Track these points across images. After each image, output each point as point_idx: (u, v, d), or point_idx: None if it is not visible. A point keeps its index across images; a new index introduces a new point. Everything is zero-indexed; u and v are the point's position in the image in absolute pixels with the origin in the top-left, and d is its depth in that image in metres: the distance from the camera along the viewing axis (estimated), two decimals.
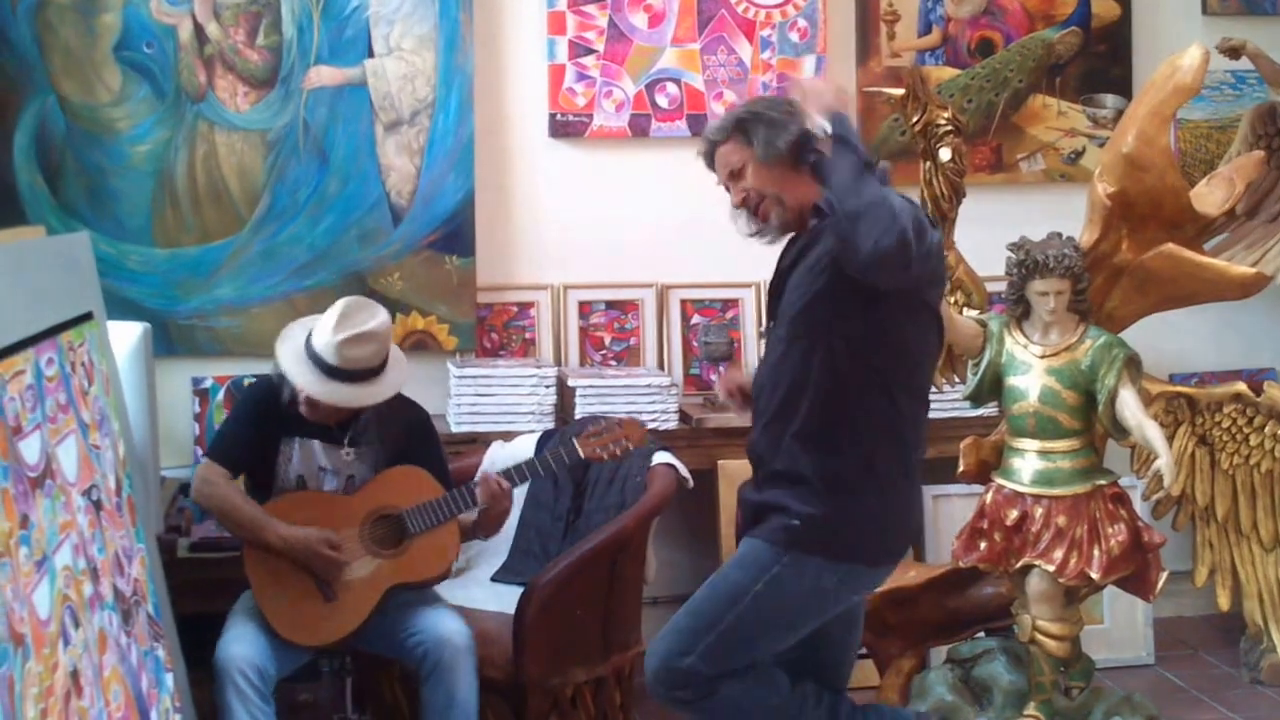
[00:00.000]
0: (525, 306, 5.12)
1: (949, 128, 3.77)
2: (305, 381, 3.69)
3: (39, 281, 2.49)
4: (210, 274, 4.82)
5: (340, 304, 3.74)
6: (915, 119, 3.82)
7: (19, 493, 2.12)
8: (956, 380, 4.28)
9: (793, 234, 3.26)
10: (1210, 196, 4.07)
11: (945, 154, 3.77)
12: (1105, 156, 4.02)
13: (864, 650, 4.29)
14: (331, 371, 3.68)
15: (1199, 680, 4.91)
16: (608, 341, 5.15)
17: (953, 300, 4.12)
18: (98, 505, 2.48)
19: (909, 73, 4.04)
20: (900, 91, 3.86)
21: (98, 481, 2.51)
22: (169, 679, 2.77)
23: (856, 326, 3.02)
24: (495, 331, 5.09)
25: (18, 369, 2.24)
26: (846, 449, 3.08)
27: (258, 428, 3.82)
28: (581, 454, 3.92)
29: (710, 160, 3.35)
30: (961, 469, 4.13)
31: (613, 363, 5.13)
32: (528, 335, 5.11)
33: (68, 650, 2.19)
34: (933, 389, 4.07)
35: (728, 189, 3.32)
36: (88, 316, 2.70)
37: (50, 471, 2.29)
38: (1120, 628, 5.03)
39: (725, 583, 3.18)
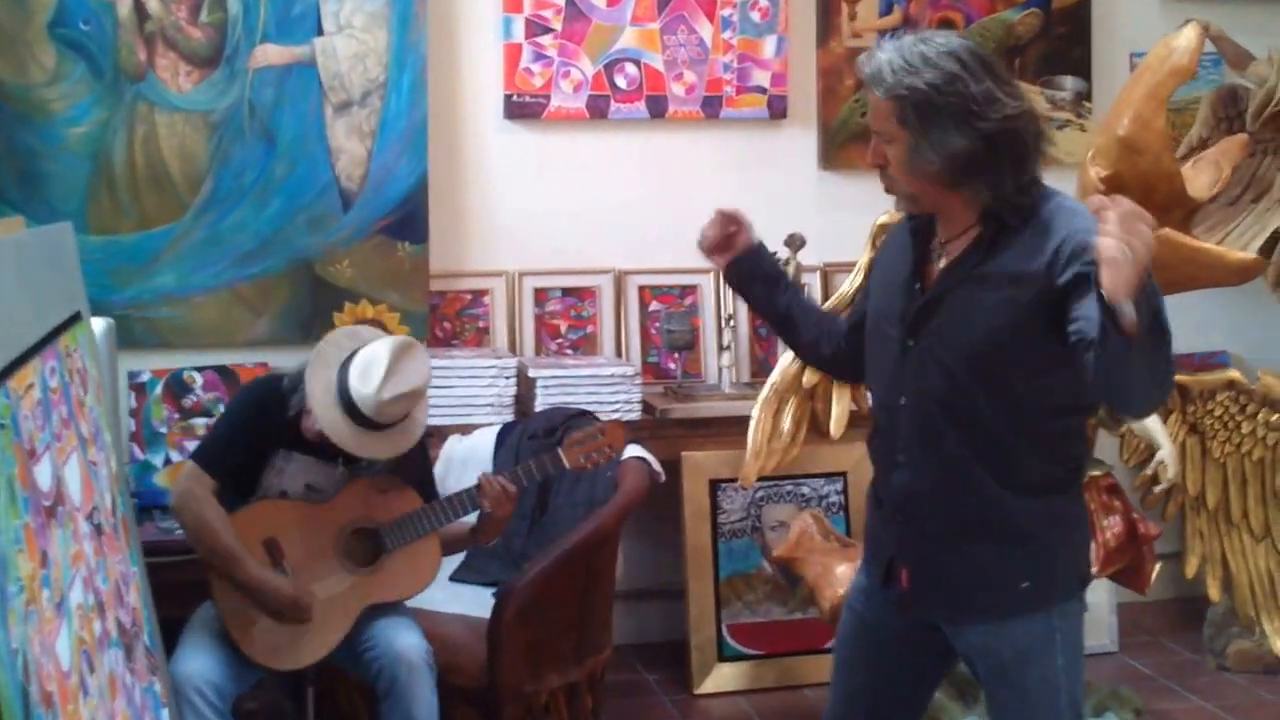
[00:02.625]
0: (479, 294, 4.94)
1: None
2: (336, 432, 3.43)
3: (34, 280, 2.27)
4: (149, 262, 4.57)
5: (388, 350, 3.41)
6: None
7: (38, 526, 1.92)
8: None
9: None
10: (1197, 180, 4.02)
11: None
12: (1099, 140, 3.94)
13: None
14: (366, 423, 3.44)
15: (1165, 668, 4.89)
16: (564, 329, 4.99)
17: None
18: (99, 530, 2.29)
19: None
20: None
21: (98, 503, 2.31)
22: (165, 715, 2.58)
23: (1044, 362, 2.55)
24: (448, 320, 4.91)
25: (29, 382, 2.04)
26: (1065, 481, 2.63)
27: (255, 435, 3.59)
28: (566, 464, 3.76)
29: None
30: None
31: (569, 351, 4.97)
32: (481, 324, 4.94)
33: (86, 702, 2.00)
34: None
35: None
36: (76, 317, 2.49)
37: (60, 497, 2.09)
38: None
39: (1039, 689, 2.64)
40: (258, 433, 3.58)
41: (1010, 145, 2.53)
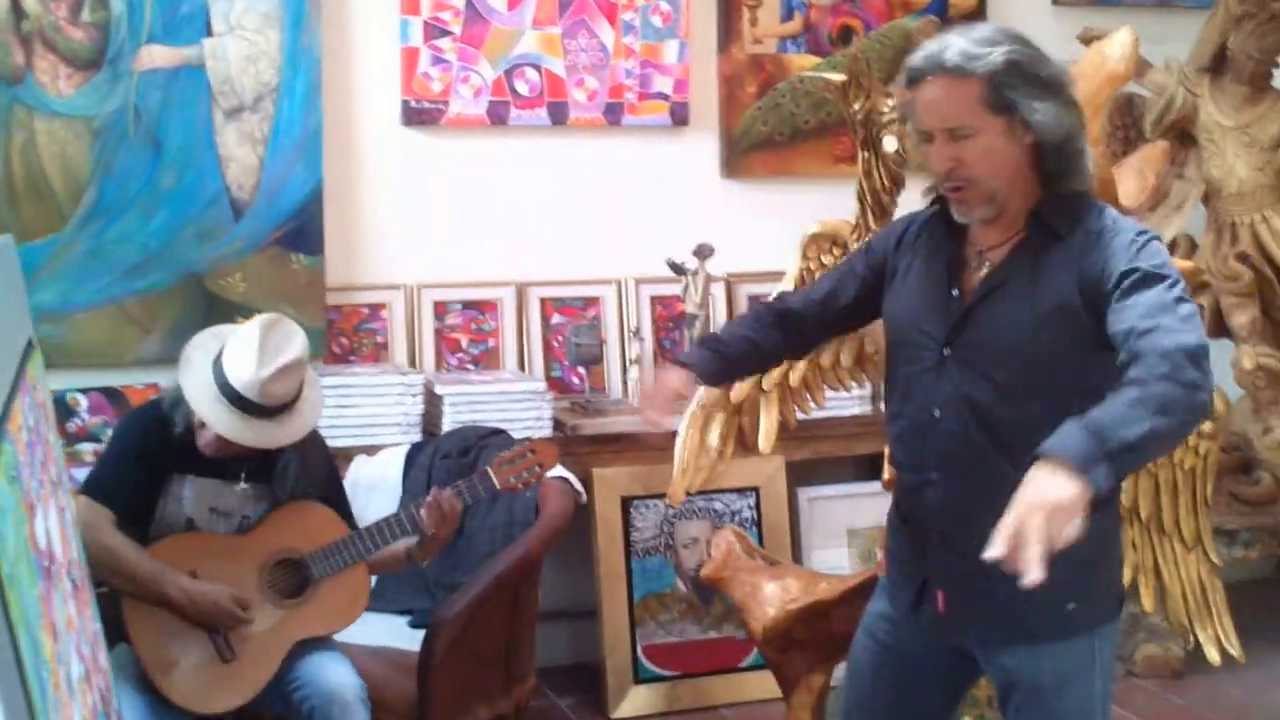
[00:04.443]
0: (377, 308, 4.72)
1: (893, 116, 3.56)
2: (226, 426, 3.25)
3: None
4: (28, 277, 4.22)
5: (256, 328, 3.28)
6: (856, 107, 3.59)
7: (46, 593, 1.68)
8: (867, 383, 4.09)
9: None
10: (1122, 188, 3.99)
11: (891, 144, 3.53)
12: None
13: (764, 664, 4.10)
14: (254, 410, 3.25)
15: None
16: (464, 344, 4.80)
17: None
18: (75, 586, 2.04)
19: (852, 58, 3.81)
20: (841, 78, 3.62)
21: (73, 555, 2.06)
22: None
23: (1098, 375, 2.39)
24: (345, 335, 4.68)
25: (19, 424, 1.78)
26: (1110, 494, 2.45)
27: (144, 464, 3.37)
28: (497, 485, 3.60)
29: (913, 82, 2.46)
30: (887, 477, 3.94)
31: (470, 366, 4.79)
32: (379, 339, 4.72)
33: None
34: (839, 389, 3.93)
35: (921, 136, 2.50)
36: (29, 344, 2.23)
37: (51, 555, 1.84)
38: None
39: (1075, 716, 2.53)
40: (148, 460, 3.37)
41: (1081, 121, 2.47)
